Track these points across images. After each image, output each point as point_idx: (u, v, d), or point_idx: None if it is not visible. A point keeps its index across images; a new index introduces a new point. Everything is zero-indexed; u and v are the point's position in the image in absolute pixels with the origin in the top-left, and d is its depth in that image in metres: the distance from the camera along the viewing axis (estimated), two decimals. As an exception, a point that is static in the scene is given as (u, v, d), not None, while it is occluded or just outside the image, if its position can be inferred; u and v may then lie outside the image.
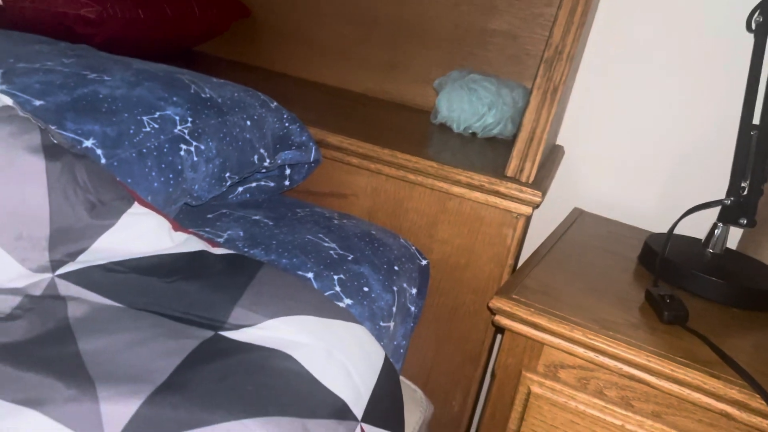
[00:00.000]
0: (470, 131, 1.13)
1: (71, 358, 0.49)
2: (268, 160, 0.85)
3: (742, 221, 0.85)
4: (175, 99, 0.75)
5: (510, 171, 0.88)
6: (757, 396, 0.61)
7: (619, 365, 0.67)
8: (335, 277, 0.73)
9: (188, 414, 0.47)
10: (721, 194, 0.86)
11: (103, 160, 0.65)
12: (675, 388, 0.65)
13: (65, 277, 0.56)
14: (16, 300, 0.53)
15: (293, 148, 0.89)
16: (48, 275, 0.56)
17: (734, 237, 0.97)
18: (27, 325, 0.51)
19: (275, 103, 0.90)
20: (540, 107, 0.85)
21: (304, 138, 0.91)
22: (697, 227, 0.93)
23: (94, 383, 0.47)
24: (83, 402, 0.46)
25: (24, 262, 0.55)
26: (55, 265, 0.56)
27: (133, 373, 0.49)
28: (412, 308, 0.84)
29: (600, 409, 0.70)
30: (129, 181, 0.66)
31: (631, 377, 0.67)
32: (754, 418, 0.62)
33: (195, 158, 0.73)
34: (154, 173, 0.68)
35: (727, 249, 0.90)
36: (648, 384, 0.66)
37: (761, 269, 0.88)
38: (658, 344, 0.67)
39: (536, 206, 0.88)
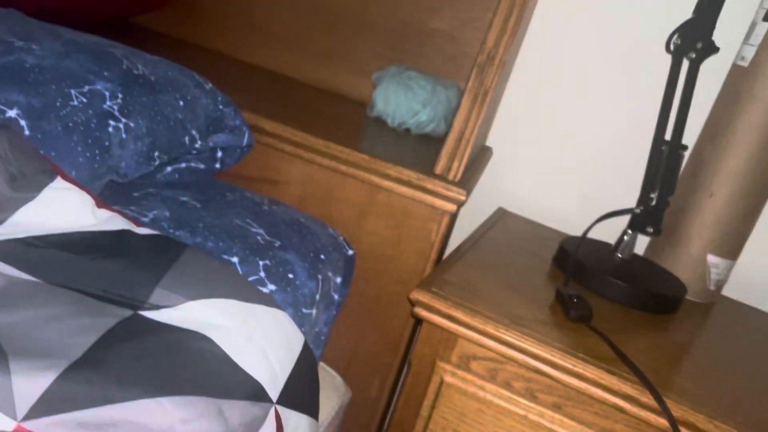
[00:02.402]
0: (404, 127, 1.15)
1: (-18, 331, 0.48)
2: (199, 142, 0.84)
3: (649, 230, 0.91)
4: (105, 74, 0.74)
5: (438, 169, 0.91)
6: (648, 392, 0.67)
7: (526, 359, 0.71)
8: (261, 262, 0.74)
9: (102, 390, 0.47)
10: (634, 202, 0.92)
11: (26, 132, 0.64)
12: (575, 381, 0.70)
13: (-20, 248, 0.55)
14: (-74, 269, 0.52)
15: (226, 131, 0.89)
16: (-38, 246, 0.55)
17: (642, 243, 1.04)
18: (-63, 295, 0.50)
19: (210, 85, 0.90)
20: (470, 109, 0.89)
21: (237, 122, 0.91)
22: (611, 232, 0.99)
23: (7, 357, 0.47)
24: (-7, 375, 0.45)
25: (-63, 231, 0.54)
26: (-31, 235, 0.55)
27: (47, 348, 0.49)
28: (336, 296, 0.86)
29: (506, 399, 0.74)
30: (53, 154, 0.65)
31: (536, 370, 0.71)
32: (643, 412, 0.68)
33: (123, 135, 0.72)
34: (79, 148, 0.67)
35: (635, 254, 0.96)
36: (551, 377, 0.71)
37: (663, 275, 0.94)
38: (563, 340, 0.72)
39: (461, 204, 0.91)
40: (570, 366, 0.69)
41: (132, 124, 0.73)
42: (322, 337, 0.83)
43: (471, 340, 0.73)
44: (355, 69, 1.29)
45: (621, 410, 0.69)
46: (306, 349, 0.66)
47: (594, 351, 0.71)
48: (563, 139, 1.17)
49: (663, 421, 0.66)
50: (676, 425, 0.65)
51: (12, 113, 0.64)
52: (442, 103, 1.12)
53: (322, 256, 0.84)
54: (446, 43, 1.22)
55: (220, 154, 0.92)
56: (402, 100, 1.12)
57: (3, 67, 0.67)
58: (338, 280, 0.87)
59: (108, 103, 0.71)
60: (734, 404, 0.69)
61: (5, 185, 0.57)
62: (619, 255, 0.94)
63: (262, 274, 0.73)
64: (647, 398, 0.67)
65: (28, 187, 0.58)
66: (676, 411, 0.66)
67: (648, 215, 0.90)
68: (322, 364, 0.88)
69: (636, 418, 0.69)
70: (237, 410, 0.52)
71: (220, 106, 0.89)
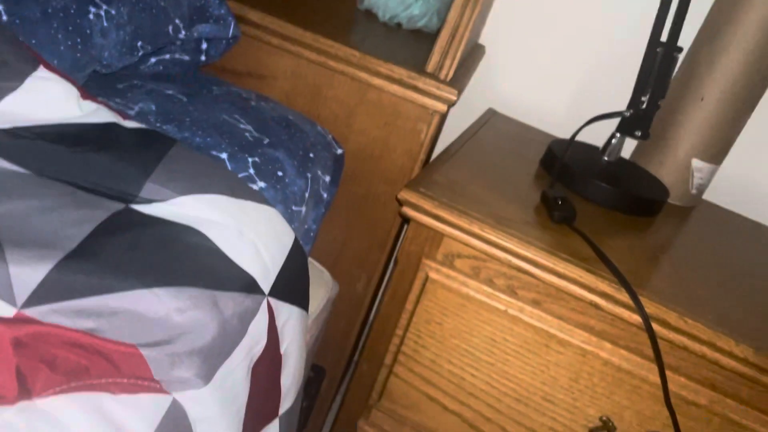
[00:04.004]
0: (395, 21, 1.12)
1: (-25, 223, 0.49)
2: (183, 32, 0.81)
3: (637, 133, 0.91)
4: (83, -44, 0.70)
5: (430, 67, 0.89)
6: (624, 290, 0.69)
7: (509, 257, 0.73)
8: (250, 159, 0.73)
9: (99, 280, 0.49)
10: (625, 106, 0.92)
11: (3, 17, 0.61)
12: (555, 279, 0.72)
13: (-35, 139, 0.54)
14: None
15: (211, 21, 0.86)
16: (-54, 136, 0.54)
17: (631, 148, 1.05)
18: (-73, 185, 0.50)
19: (194, -29, 0.85)
20: (465, 4, 0.86)
21: (222, 11, 0.87)
22: (602, 136, 0.99)
23: (2, 246, 0.47)
24: (-10, 264, 0.46)
25: None
26: (-47, 125, 0.54)
27: (42, 239, 0.49)
28: (325, 195, 0.86)
29: (488, 295, 0.77)
30: (33, 42, 0.62)
31: (518, 268, 0.74)
32: (618, 309, 0.71)
33: (105, 23, 0.69)
34: (60, 36, 0.65)
35: (621, 158, 0.97)
36: (532, 275, 0.73)
37: (647, 178, 0.96)
38: (546, 240, 0.74)
39: (451, 104, 0.90)
40: (551, 265, 0.72)
41: (113, 11, 0.70)
42: (312, 234, 0.84)
43: (456, 239, 0.75)
44: (345, -43, 1.23)
45: (597, 306, 0.72)
46: (296, 245, 0.67)
47: (575, 251, 0.74)
48: (557, 39, 1.14)
49: (636, 318, 0.70)
50: (648, 321, 0.68)
51: (-13, -3, 0.61)
52: (435, -3, 1.08)
53: (311, 155, 0.83)
54: (441, -68, 1.16)
55: (204, 45, 0.89)
56: (394, -7, 1.08)
57: (-27, -55, 0.63)
58: (327, 178, 0.87)
59: (87, -12, 0.68)
60: (706, 304, 0.73)
61: (-14, 74, 0.55)
62: (606, 158, 0.95)
63: (252, 171, 0.73)
64: (623, 296, 0.70)
65: (11, 76, 0.57)
66: (650, 308, 0.69)
67: (637, 118, 0.90)
68: (311, 260, 0.90)
69: (611, 315, 0.72)
70: (231, 301, 0.54)
71: (205, -5, 0.85)
